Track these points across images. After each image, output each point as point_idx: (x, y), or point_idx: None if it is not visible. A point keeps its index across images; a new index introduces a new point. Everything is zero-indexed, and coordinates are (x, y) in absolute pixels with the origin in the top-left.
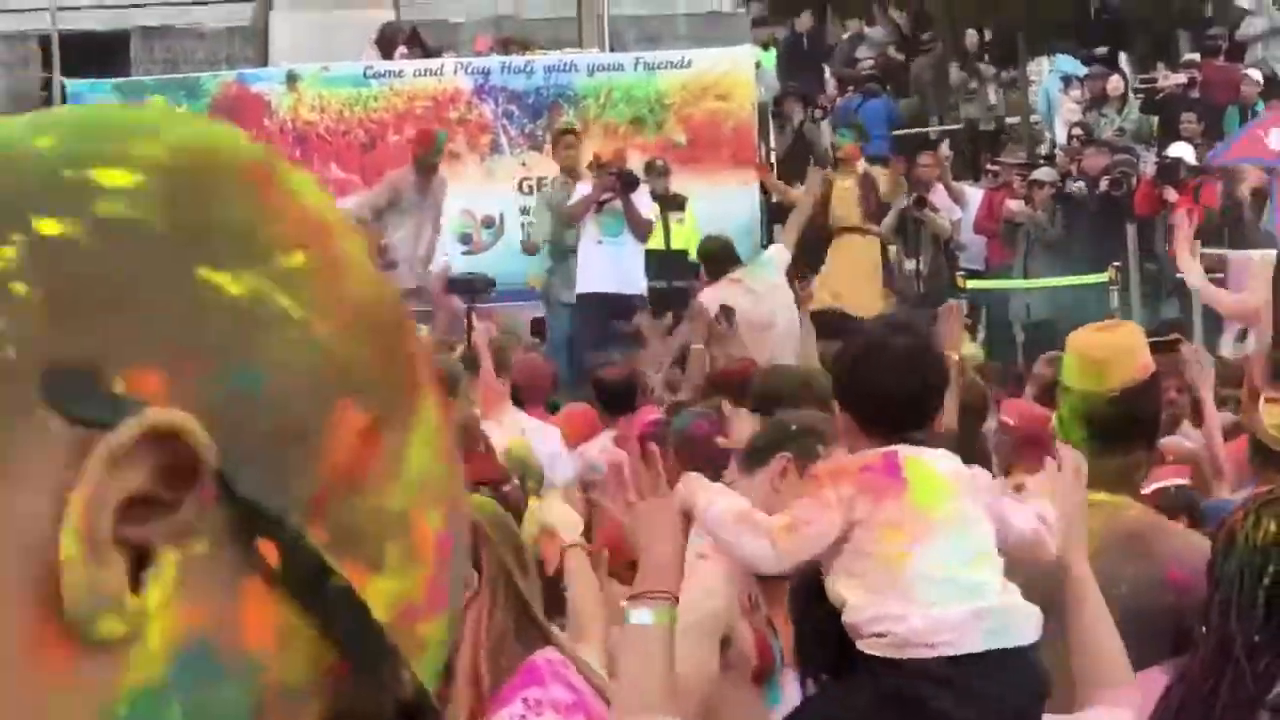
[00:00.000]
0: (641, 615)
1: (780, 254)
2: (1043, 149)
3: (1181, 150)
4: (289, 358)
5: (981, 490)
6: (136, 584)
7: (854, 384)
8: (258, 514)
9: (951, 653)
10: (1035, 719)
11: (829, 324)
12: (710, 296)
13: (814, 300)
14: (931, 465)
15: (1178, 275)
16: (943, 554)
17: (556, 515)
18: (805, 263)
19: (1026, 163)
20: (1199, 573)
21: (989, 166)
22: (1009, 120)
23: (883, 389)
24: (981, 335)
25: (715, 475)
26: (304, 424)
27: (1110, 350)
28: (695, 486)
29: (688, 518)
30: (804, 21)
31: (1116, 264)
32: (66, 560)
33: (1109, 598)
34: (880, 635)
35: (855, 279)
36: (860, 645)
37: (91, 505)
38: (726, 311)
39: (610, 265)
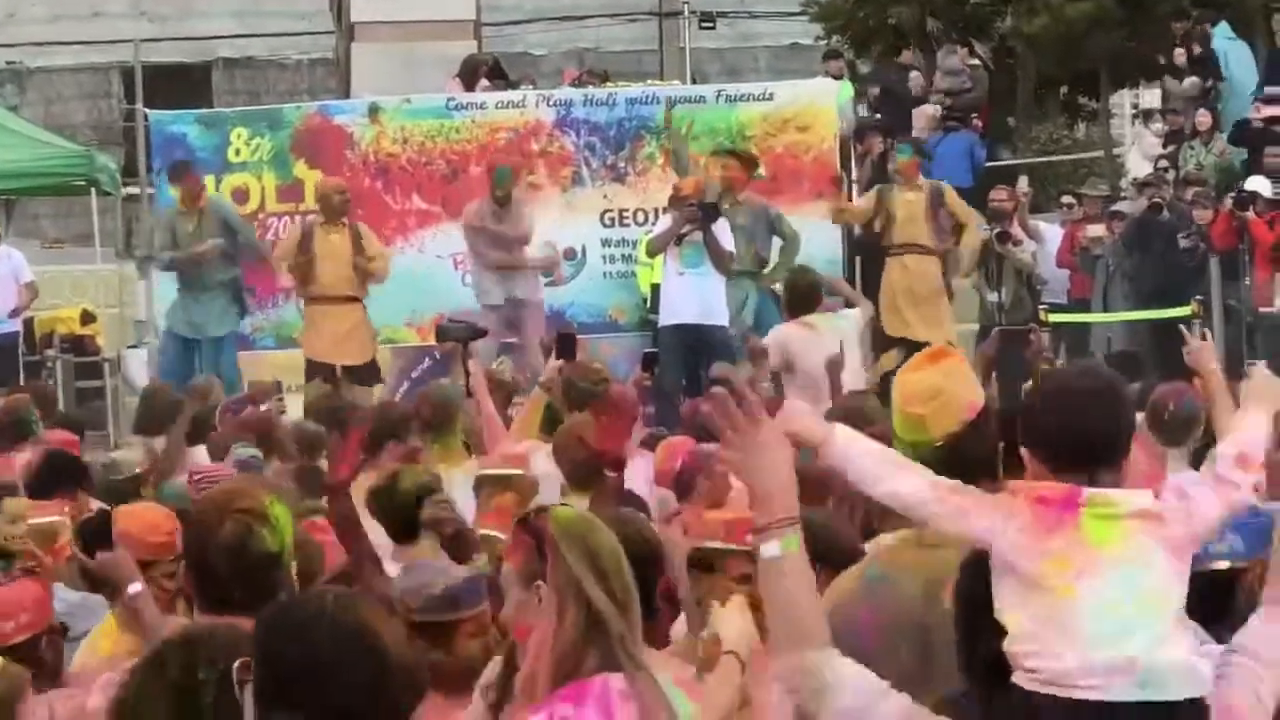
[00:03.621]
0: (771, 549)
1: (861, 316)
2: (1124, 181)
3: (1259, 184)
4: None
5: (1173, 523)
6: None
7: (1042, 425)
8: None
9: (1098, 698)
10: None
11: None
12: (777, 338)
13: (887, 326)
14: (1114, 503)
15: (1260, 310)
16: (1109, 593)
17: (731, 626)
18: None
19: (1109, 195)
20: None
21: (1063, 199)
22: (1090, 155)
23: (1071, 429)
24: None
25: None
26: None
27: (926, 405)
28: (805, 415)
29: (795, 441)
30: (905, 57)
31: (1200, 297)
32: None
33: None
34: (1033, 670)
35: (921, 302)
36: (1015, 677)
37: None
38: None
39: (692, 297)
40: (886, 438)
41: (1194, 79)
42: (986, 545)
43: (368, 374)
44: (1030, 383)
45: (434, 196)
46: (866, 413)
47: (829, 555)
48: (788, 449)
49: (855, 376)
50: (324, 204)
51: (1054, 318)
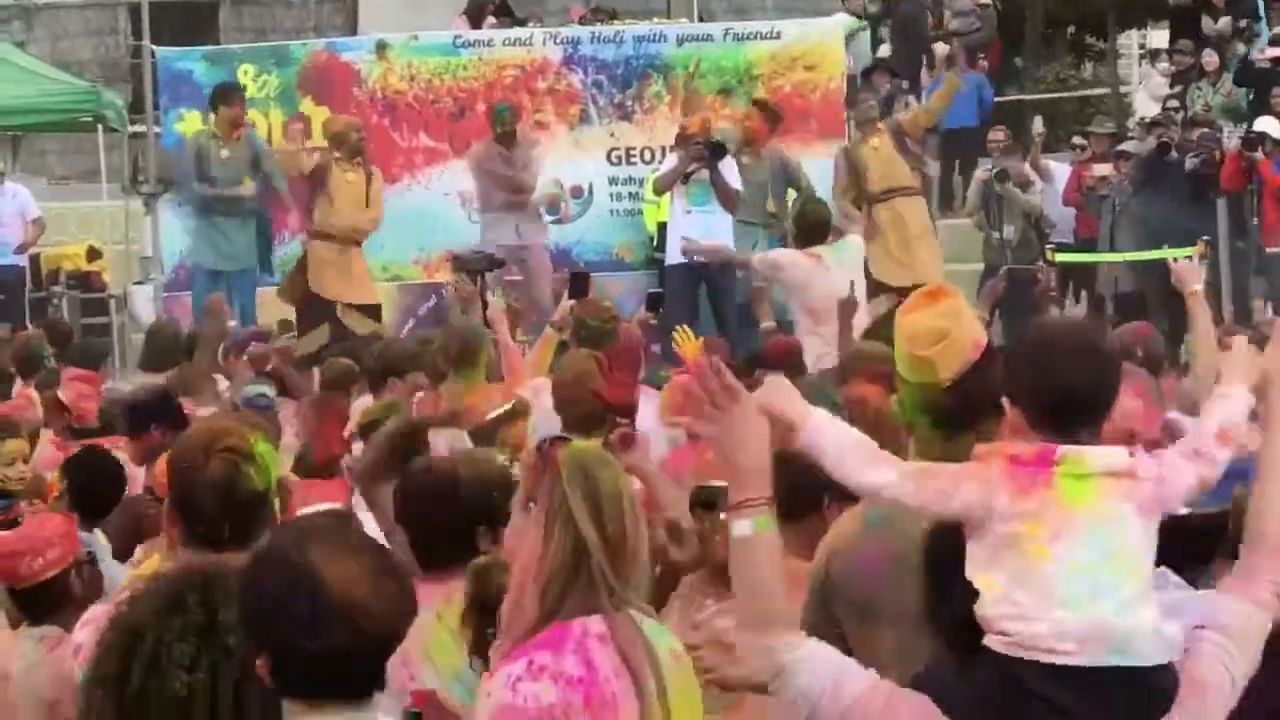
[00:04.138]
0: (743, 527)
1: (858, 247)
2: (1131, 121)
3: (1267, 125)
4: None
5: (1145, 483)
6: None
7: (1024, 378)
8: None
9: (1071, 663)
10: None
11: None
12: (779, 260)
13: (884, 275)
14: (1087, 462)
15: (1267, 251)
16: (1083, 555)
17: None
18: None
19: (1115, 134)
20: None
21: (1075, 140)
22: (1097, 92)
23: (1052, 386)
24: (1070, 307)
25: None
26: None
27: (932, 348)
28: (786, 393)
29: (772, 423)
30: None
31: (1206, 238)
32: None
33: None
34: (1007, 634)
35: (916, 245)
36: (988, 640)
37: None
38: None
39: (699, 235)
40: (892, 375)
41: (1227, 18)
42: (972, 520)
43: (372, 316)
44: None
45: (441, 134)
46: (876, 356)
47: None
48: (764, 427)
49: (860, 312)
50: (340, 141)
51: (1060, 257)
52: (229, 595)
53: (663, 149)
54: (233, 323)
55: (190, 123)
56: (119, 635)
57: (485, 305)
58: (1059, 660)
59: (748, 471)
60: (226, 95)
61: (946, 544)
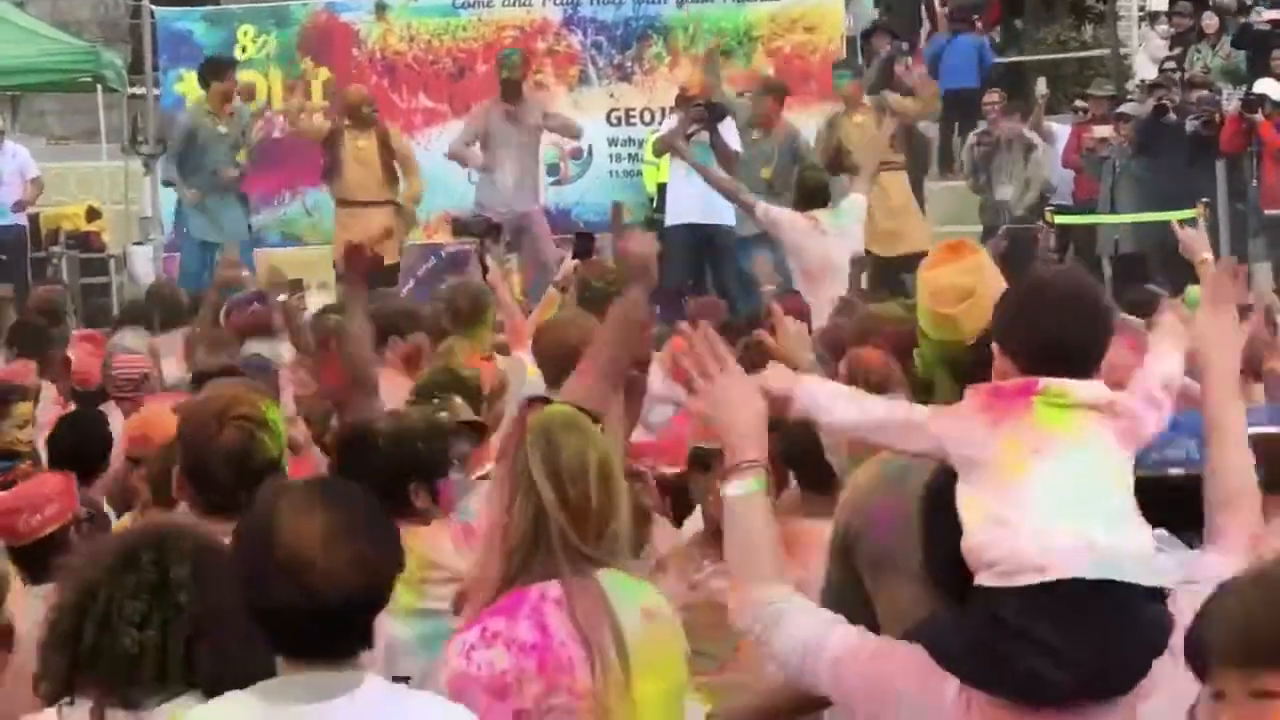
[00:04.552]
0: (734, 488)
1: (860, 204)
2: (1131, 84)
3: (1267, 87)
4: None
5: (1125, 416)
6: None
7: (1015, 326)
8: None
9: (1058, 576)
10: (1144, 667)
11: None
12: (780, 217)
13: (873, 247)
14: (1067, 393)
15: (1266, 213)
16: (1063, 470)
17: None
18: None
19: (1114, 96)
20: None
21: (1077, 102)
22: (1097, 54)
23: (1045, 333)
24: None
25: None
26: None
27: (957, 306)
28: (778, 373)
29: (768, 397)
30: None
31: (1205, 200)
32: None
33: None
34: (993, 564)
35: (901, 216)
36: (977, 579)
37: None
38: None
39: (699, 196)
40: (907, 337)
41: None
42: (951, 454)
43: (385, 278)
44: None
45: (440, 95)
46: (887, 317)
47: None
48: (757, 400)
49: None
50: (353, 114)
51: (1060, 219)
52: (182, 554)
53: (662, 110)
54: (246, 273)
55: (189, 83)
56: (72, 594)
57: (485, 269)
58: (1046, 577)
59: (740, 436)
60: (217, 70)
61: (943, 495)
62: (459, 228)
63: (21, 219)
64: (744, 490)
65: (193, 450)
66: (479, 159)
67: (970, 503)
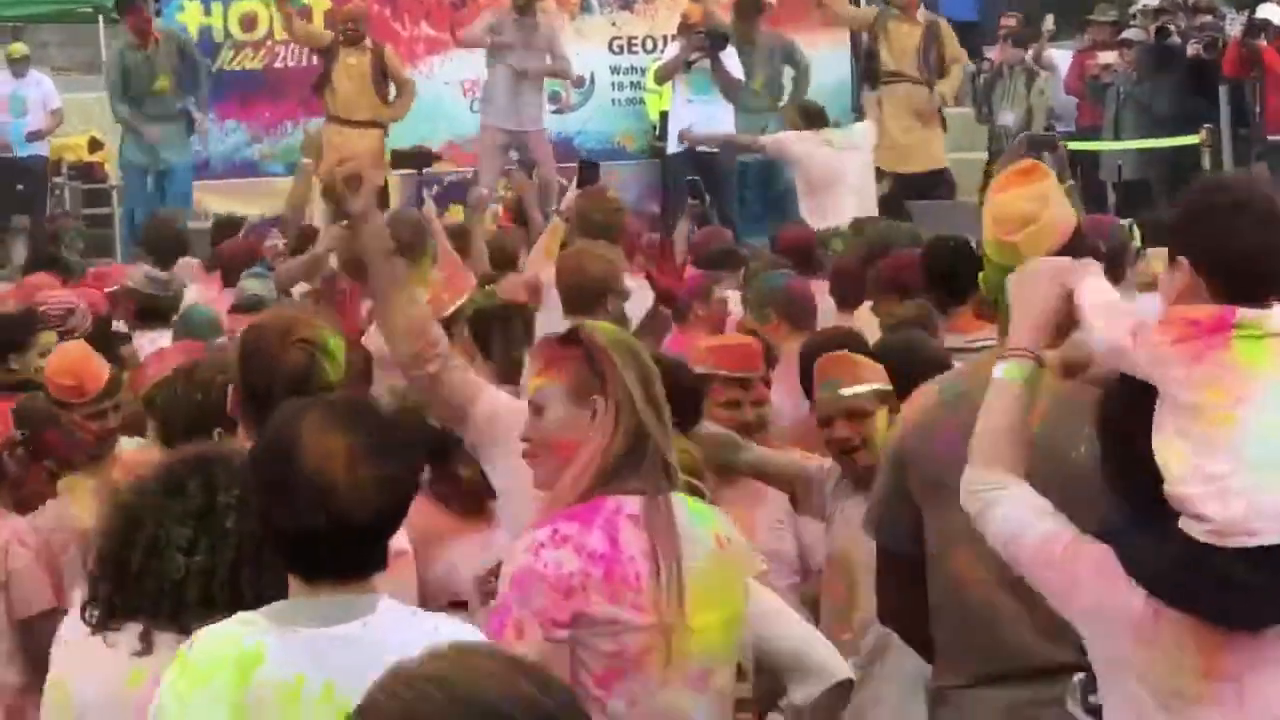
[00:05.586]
0: (998, 369)
1: (870, 132)
2: (1134, 8)
3: (1270, 12)
4: None
5: None
6: None
7: (1205, 240)
8: None
9: (1270, 542)
10: None
11: None
12: (788, 133)
13: (882, 162)
14: (1262, 324)
15: (1269, 139)
16: (1269, 416)
17: None
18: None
19: (1117, 22)
20: None
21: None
22: None
23: (1244, 247)
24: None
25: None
26: None
27: (1020, 232)
28: (1089, 275)
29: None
30: None
31: (1209, 125)
32: None
33: (1066, 459)
34: (1202, 518)
35: (918, 132)
36: (1182, 523)
37: None
38: None
39: (701, 124)
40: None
41: None
42: (1155, 380)
43: (379, 201)
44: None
45: (442, 23)
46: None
47: None
48: (1056, 290)
49: (867, 200)
50: (341, 28)
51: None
52: (229, 479)
53: (664, 38)
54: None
55: (192, 13)
56: (120, 521)
57: (422, 203)
58: (1257, 542)
59: (1031, 328)
60: (121, 8)
61: (1123, 414)
62: (396, 159)
63: (44, 149)
64: (1003, 374)
65: (255, 369)
66: (488, 42)
67: (1172, 445)
